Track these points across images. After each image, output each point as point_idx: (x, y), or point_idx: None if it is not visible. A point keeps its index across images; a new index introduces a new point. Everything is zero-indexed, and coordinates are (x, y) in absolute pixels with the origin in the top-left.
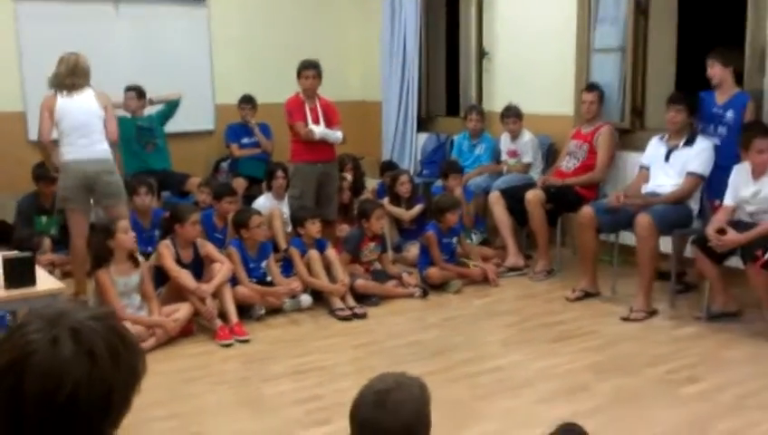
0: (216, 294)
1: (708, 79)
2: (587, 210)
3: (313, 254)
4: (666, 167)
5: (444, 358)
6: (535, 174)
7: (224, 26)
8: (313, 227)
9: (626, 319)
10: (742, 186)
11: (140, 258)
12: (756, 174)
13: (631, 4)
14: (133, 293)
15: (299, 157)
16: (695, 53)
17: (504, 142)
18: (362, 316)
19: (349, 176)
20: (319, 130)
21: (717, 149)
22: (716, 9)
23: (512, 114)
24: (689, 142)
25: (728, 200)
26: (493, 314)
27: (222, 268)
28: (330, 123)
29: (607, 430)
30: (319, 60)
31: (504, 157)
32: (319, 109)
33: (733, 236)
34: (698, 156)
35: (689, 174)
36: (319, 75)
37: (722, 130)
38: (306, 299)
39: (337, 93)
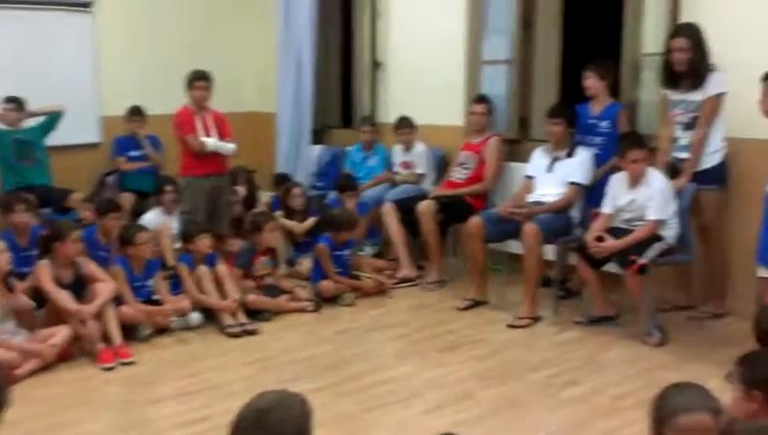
0: (99, 316)
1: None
2: (475, 220)
3: (203, 270)
4: (549, 177)
5: (336, 372)
6: (428, 185)
7: (111, 34)
8: (204, 243)
9: (512, 326)
10: (619, 194)
11: (15, 281)
12: (632, 183)
13: (517, 18)
14: (6, 318)
15: (190, 170)
16: (579, 65)
17: (397, 154)
18: (254, 333)
19: (241, 189)
20: (212, 141)
21: (595, 158)
22: (599, 23)
23: (405, 126)
24: (571, 153)
25: (606, 208)
26: (385, 325)
27: (105, 288)
28: (221, 135)
29: None
30: (211, 70)
31: (396, 168)
32: (210, 121)
33: (610, 242)
34: (580, 166)
35: (571, 184)
36: (210, 86)
37: (598, 139)
38: (196, 317)
39: (230, 105)
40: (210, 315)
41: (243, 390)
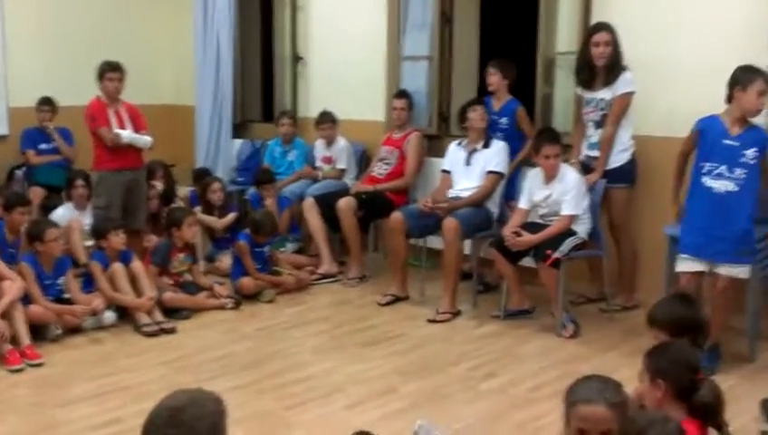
0: (5, 315)
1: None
2: (396, 215)
3: (117, 267)
4: (467, 170)
5: (255, 370)
6: (349, 180)
7: (19, 22)
8: (117, 239)
9: (432, 321)
10: (534, 190)
11: None
12: (547, 179)
13: (437, 14)
14: None
15: (103, 164)
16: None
17: (319, 149)
18: (171, 331)
19: (159, 184)
20: (126, 134)
21: None
22: (515, 21)
23: (327, 120)
24: (487, 144)
25: (523, 203)
26: (305, 322)
27: (12, 286)
28: (136, 128)
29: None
30: (125, 61)
31: (318, 163)
32: (123, 113)
33: (526, 237)
34: (496, 155)
35: (489, 172)
36: (122, 78)
37: (498, 135)
38: (109, 316)
39: (146, 97)
40: (125, 314)
41: (158, 390)
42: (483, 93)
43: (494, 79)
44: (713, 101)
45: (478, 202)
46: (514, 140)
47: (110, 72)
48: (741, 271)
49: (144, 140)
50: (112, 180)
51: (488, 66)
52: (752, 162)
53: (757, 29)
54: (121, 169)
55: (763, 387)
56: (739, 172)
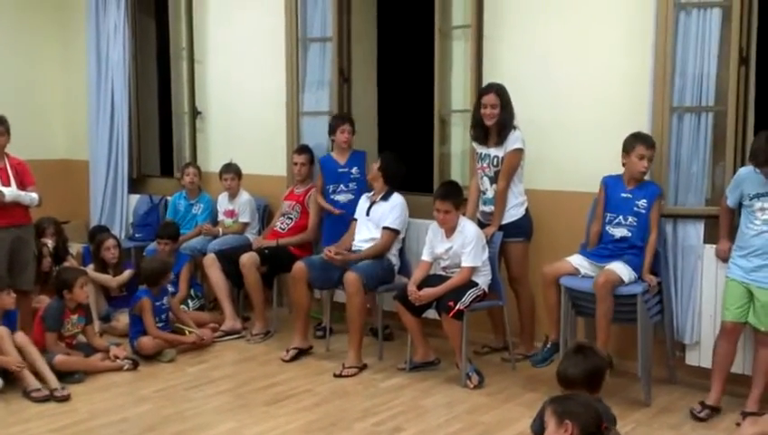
0: None
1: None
2: (299, 265)
3: (2, 330)
4: (367, 221)
5: (154, 433)
6: (251, 235)
7: None
8: (8, 299)
9: (339, 375)
10: (436, 243)
11: None
12: (448, 232)
13: (335, 73)
14: None
15: None
16: (396, 115)
17: (222, 202)
18: (64, 399)
19: (50, 241)
20: (8, 191)
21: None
22: (412, 79)
23: (230, 171)
24: (386, 197)
25: (425, 256)
26: (208, 381)
27: None
28: (23, 184)
29: None
30: (11, 115)
31: (221, 217)
32: (8, 168)
33: (428, 290)
34: (392, 211)
35: (384, 229)
36: (6, 132)
37: (351, 186)
38: None
39: (38, 151)
40: (10, 379)
41: None
42: (382, 148)
43: (346, 136)
44: (599, 156)
45: (374, 257)
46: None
47: None
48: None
49: (30, 197)
50: None
51: (341, 124)
52: (643, 211)
53: (640, 90)
54: (6, 227)
55: (659, 430)
56: (632, 220)
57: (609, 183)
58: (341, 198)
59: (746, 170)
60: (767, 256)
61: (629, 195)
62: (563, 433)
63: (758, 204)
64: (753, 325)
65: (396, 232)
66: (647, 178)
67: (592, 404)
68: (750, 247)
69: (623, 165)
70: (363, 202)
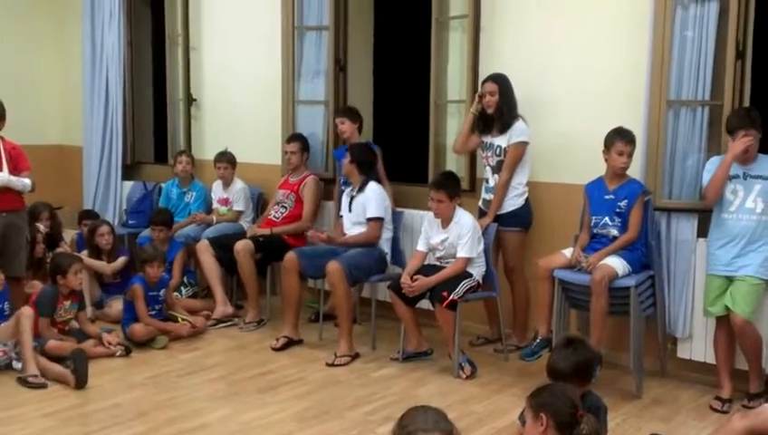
0: None
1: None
2: (290, 255)
3: (26, 310)
4: (349, 216)
5: (147, 419)
6: (245, 223)
7: None
8: None
9: (331, 364)
10: (432, 233)
11: None
12: (443, 223)
13: (331, 62)
14: None
15: None
16: (392, 105)
17: (216, 190)
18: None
19: (43, 227)
20: (1, 176)
21: None
22: (407, 69)
23: (225, 159)
24: (361, 189)
25: (421, 247)
26: (201, 368)
27: None
28: (16, 169)
29: None
30: (7, 100)
31: (215, 205)
32: (2, 153)
33: (422, 280)
34: (372, 200)
35: (369, 219)
36: (2, 117)
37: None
38: None
39: (33, 137)
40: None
41: None
42: (378, 138)
43: (345, 127)
44: (595, 148)
45: (363, 245)
46: None
47: None
48: (615, 263)
49: (23, 182)
50: None
51: (337, 117)
52: (625, 211)
53: (636, 83)
54: None
55: (649, 422)
56: (618, 220)
57: (590, 190)
58: None
59: (720, 157)
60: (746, 244)
61: (612, 196)
62: (539, 427)
63: (730, 186)
64: (730, 308)
65: (380, 219)
66: (636, 175)
67: (567, 393)
68: (727, 236)
69: (605, 160)
70: (345, 199)
